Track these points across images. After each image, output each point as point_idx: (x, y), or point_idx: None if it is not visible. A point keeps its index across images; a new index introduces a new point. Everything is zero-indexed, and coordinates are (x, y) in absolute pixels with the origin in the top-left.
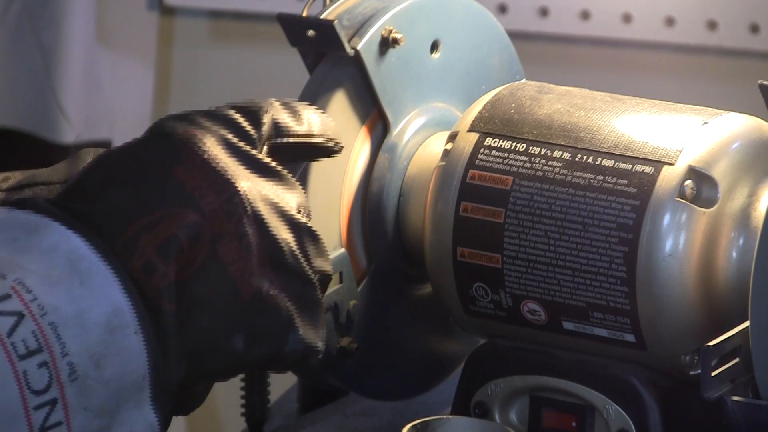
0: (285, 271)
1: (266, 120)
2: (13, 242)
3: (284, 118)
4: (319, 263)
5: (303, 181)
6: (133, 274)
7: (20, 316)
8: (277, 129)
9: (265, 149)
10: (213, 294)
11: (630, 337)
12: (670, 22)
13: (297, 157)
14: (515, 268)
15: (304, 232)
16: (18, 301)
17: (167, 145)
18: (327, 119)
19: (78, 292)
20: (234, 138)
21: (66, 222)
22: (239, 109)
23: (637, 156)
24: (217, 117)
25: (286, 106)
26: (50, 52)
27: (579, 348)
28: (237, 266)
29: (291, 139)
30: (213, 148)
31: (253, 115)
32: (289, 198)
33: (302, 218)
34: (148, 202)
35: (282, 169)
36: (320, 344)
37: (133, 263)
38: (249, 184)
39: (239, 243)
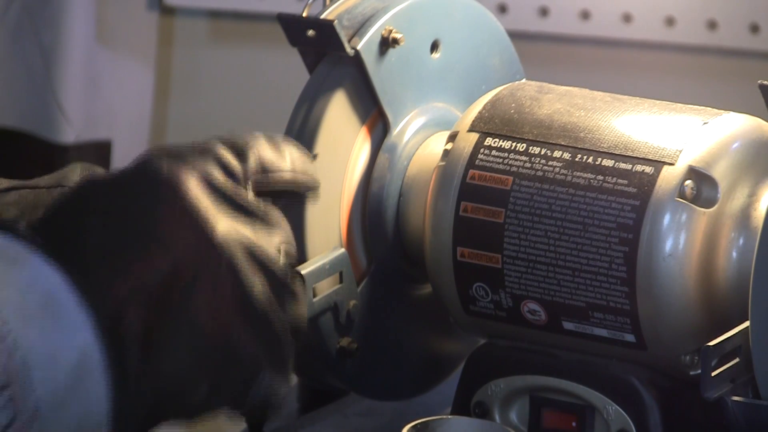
0: (256, 321)
1: (252, 156)
2: None
3: (269, 154)
4: (294, 311)
5: None
6: (105, 316)
7: None
8: (263, 166)
9: (250, 186)
10: (182, 341)
11: (630, 337)
12: (670, 22)
13: (279, 195)
14: (515, 268)
15: (279, 280)
16: None
17: (151, 185)
18: (306, 157)
19: (51, 330)
20: (220, 176)
21: (44, 254)
22: (227, 143)
23: (637, 156)
24: (205, 153)
25: (271, 141)
26: (50, 52)
27: (579, 348)
28: (208, 315)
29: (276, 176)
30: (196, 190)
31: (240, 151)
32: (269, 240)
33: (280, 263)
34: (126, 242)
35: (266, 208)
36: (286, 392)
37: (106, 304)
38: (228, 230)
39: (213, 291)
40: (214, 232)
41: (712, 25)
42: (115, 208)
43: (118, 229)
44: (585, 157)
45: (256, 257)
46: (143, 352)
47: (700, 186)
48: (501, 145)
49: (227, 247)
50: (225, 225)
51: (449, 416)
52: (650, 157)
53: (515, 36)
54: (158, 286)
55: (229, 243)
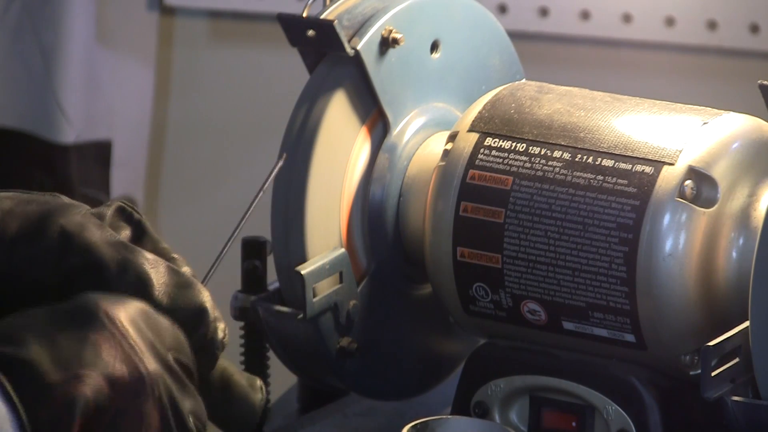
0: None
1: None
2: None
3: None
4: None
5: (303, 181)
6: (38, 426)
7: None
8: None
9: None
10: None
11: (630, 337)
12: (670, 22)
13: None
14: (515, 268)
15: None
16: None
17: (90, 313)
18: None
19: None
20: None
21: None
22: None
23: (637, 156)
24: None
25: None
26: (50, 52)
27: (579, 348)
28: None
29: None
30: (133, 324)
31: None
32: (186, 405)
33: (190, 424)
34: (65, 358)
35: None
36: None
37: (42, 415)
38: (156, 368)
39: (140, 424)
40: (147, 366)
41: (712, 25)
42: (55, 328)
43: (58, 346)
44: (585, 157)
45: (176, 407)
46: None
47: (700, 186)
48: (501, 145)
49: (156, 384)
50: (154, 363)
51: (449, 416)
52: (650, 157)
53: (515, 36)
54: (92, 404)
55: (157, 380)
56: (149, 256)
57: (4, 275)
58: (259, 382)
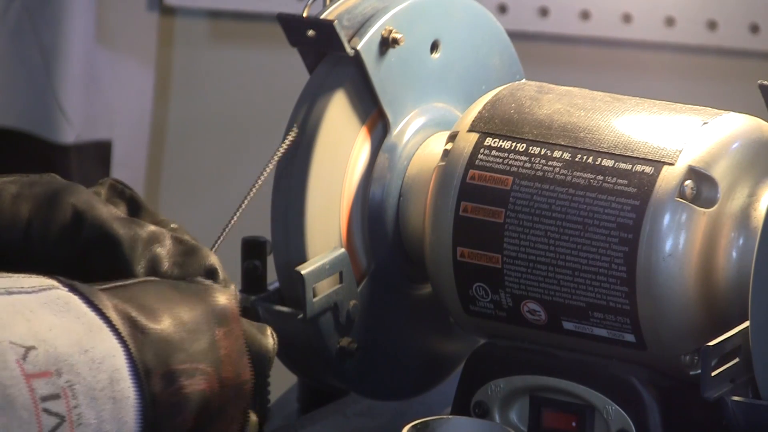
0: None
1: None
2: (70, 334)
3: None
4: None
5: (303, 181)
6: (158, 408)
7: (62, 419)
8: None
9: None
10: None
11: (630, 337)
12: (670, 22)
13: None
14: (515, 268)
15: None
16: (64, 405)
17: (217, 305)
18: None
19: (107, 413)
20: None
21: (117, 333)
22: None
23: (637, 156)
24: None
25: None
26: (50, 52)
27: (579, 348)
28: None
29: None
30: (239, 328)
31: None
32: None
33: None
34: (192, 349)
35: None
36: None
37: (164, 398)
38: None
39: (228, 425)
40: (248, 385)
41: (712, 25)
42: (186, 316)
43: (186, 334)
44: (585, 157)
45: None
46: None
47: (700, 186)
48: (501, 145)
49: (249, 398)
50: (251, 374)
51: (449, 416)
52: (650, 157)
53: (515, 36)
54: (207, 399)
55: (251, 393)
56: (154, 228)
57: (22, 256)
58: (269, 329)
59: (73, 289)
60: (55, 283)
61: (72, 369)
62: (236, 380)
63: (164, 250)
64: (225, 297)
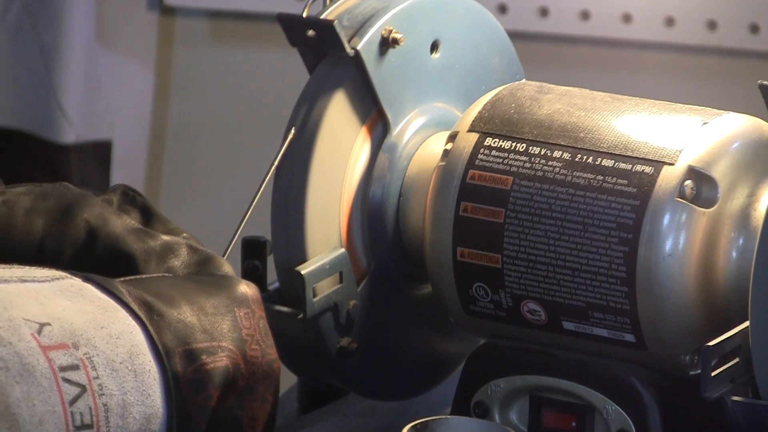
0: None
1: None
2: (84, 314)
3: None
4: None
5: (303, 181)
6: (181, 385)
7: (83, 389)
8: None
9: None
10: None
11: (630, 337)
12: (670, 22)
13: None
14: (515, 268)
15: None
16: (84, 375)
17: (235, 289)
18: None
19: (130, 384)
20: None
21: (132, 313)
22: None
23: (637, 156)
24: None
25: None
26: (50, 52)
27: (579, 348)
28: (251, 423)
29: None
30: (264, 311)
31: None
32: None
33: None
34: (212, 330)
35: None
36: None
37: (186, 375)
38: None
39: (261, 405)
40: (276, 353)
41: (712, 25)
42: (204, 297)
43: (207, 315)
44: (585, 157)
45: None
46: (206, 429)
47: (700, 186)
48: (501, 145)
49: (278, 376)
50: (277, 353)
51: (449, 416)
52: (650, 157)
53: (515, 36)
54: (231, 378)
55: (279, 371)
56: (168, 239)
57: None
58: None
59: (87, 279)
60: (68, 274)
61: (89, 342)
62: (263, 359)
63: (179, 262)
64: (244, 285)
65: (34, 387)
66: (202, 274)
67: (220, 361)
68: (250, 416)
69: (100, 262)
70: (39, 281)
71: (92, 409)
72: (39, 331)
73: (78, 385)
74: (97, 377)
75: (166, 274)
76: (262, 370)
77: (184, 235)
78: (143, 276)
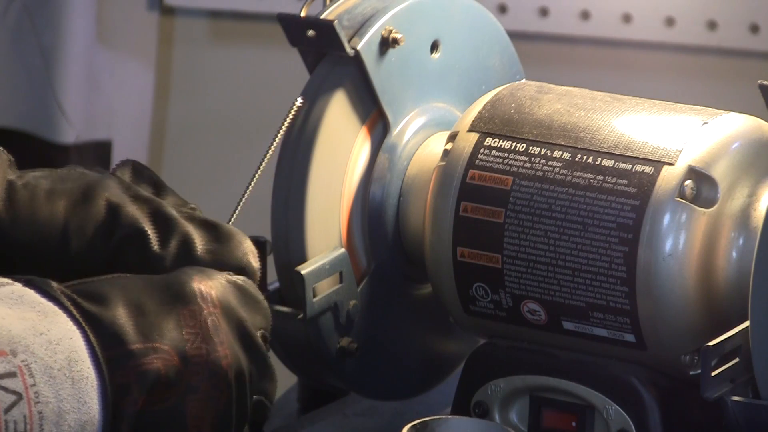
0: None
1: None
2: (23, 320)
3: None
4: (269, 388)
5: (303, 181)
6: (113, 391)
7: (19, 397)
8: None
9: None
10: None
11: (630, 337)
12: (670, 22)
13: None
14: (515, 268)
15: (265, 363)
16: (21, 382)
17: (183, 287)
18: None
19: (67, 392)
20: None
21: (73, 317)
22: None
23: (637, 156)
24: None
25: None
26: (50, 52)
27: (579, 348)
28: (196, 422)
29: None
30: (224, 303)
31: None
32: (264, 387)
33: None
34: (148, 330)
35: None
36: None
37: (115, 379)
38: (239, 355)
39: (207, 404)
40: (225, 350)
41: (712, 25)
42: (145, 297)
43: (144, 316)
44: (585, 157)
45: (247, 389)
46: None
47: (700, 186)
48: (501, 145)
49: (233, 368)
50: (230, 350)
51: (449, 416)
52: (650, 157)
53: (515, 36)
54: (164, 378)
55: (234, 364)
56: (185, 221)
57: (59, 250)
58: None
59: (28, 284)
60: (10, 281)
61: (27, 349)
62: (209, 357)
63: (198, 241)
64: (196, 282)
65: None
66: (220, 252)
67: (150, 364)
68: (194, 415)
69: (122, 241)
70: None
71: (27, 416)
72: None
73: (14, 392)
74: (34, 384)
75: (120, 275)
76: (208, 369)
77: (193, 206)
78: (92, 279)
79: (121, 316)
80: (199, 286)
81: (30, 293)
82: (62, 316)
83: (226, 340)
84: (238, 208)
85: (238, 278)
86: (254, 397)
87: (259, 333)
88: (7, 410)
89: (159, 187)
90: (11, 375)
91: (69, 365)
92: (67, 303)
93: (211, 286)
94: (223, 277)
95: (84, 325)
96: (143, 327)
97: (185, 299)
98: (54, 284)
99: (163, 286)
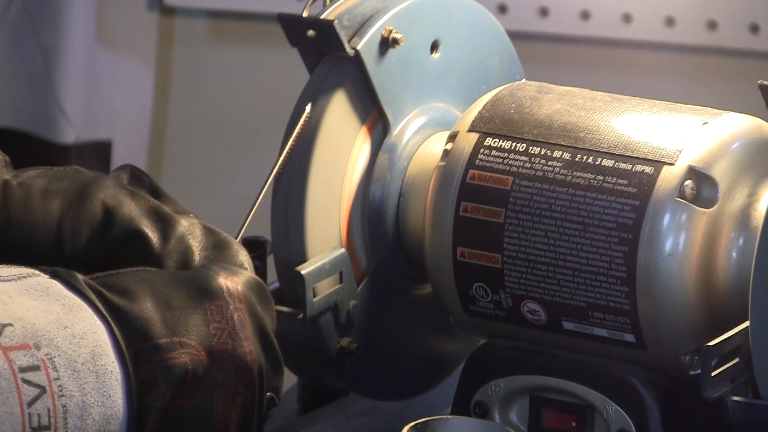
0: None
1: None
2: (48, 313)
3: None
4: (278, 384)
5: (303, 181)
6: (137, 386)
7: (42, 390)
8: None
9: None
10: (192, 428)
11: (630, 337)
12: (670, 22)
13: None
14: (515, 268)
15: (277, 360)
16: (44, 376)
17: (210, 282)
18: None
19: (91, 386)
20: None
21: (98, 311)
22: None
23: (637, 156)
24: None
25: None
26: (50, 52)
27: (579, 348)
28: (222, 418)
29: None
30: (247, 300)
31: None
32: (275, 383)
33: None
34: (175, 324)
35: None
36: None
37: (140, 374)
38: (259, 351)
39: (233, 399)
40: (252, 348)
41: (712, 25)
42: (172, 290)
43: (171, 310)
44: (585, 157)
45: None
46: (158, 428)
47: (700, 186)
48: (501, 145)
49: (254, 368)
50: (254, 345)
51: (449, 416)
52: (650, 157)
53: (515, 36)
54: (190, 374)
55: (260, 362)
56: (183, 221)
57: (53, 251)
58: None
59: (54, 275)
60: (36, 272)
61: (51, 343)
62: (234, 352)
63: (196, 242)
64: (222, 278)
65: None
66: (218, 258)
67: (177, 358)
68: (220, 411)
69: (117, 242)
70: (5, 280)
71: (50, 410)
72: (0, 332)
73: (37, 386)
74: (58, 378)
75: (145, 268)
76: (234, 364)
77: (191, 215)
78: (117, 271)
79: (149, 310)
80: (225, 282)
81: (56, 285)
82: (87, 310)
83: (251, 336)
84: (250, 216)
85: (257, 277)
86: (267, 393)
87: (272, 334)
88: (31, 403)
89: (157, 194)
90: (35, 368)
91: (93, 359)
92: (93, 296)
93: (237, 281)
94: (246, 274)
95: (109, 319)
96: (170, 321)
97: (212, 294)
98: (80, 276)
99: (189, 281)
